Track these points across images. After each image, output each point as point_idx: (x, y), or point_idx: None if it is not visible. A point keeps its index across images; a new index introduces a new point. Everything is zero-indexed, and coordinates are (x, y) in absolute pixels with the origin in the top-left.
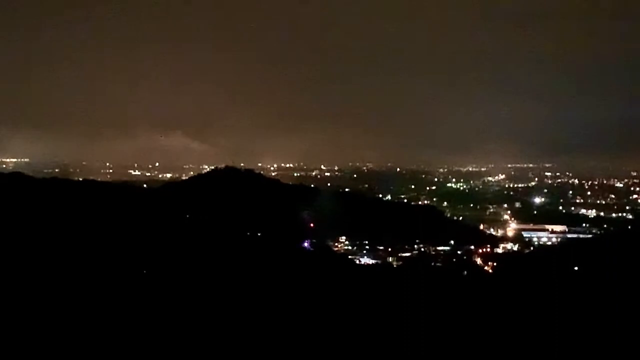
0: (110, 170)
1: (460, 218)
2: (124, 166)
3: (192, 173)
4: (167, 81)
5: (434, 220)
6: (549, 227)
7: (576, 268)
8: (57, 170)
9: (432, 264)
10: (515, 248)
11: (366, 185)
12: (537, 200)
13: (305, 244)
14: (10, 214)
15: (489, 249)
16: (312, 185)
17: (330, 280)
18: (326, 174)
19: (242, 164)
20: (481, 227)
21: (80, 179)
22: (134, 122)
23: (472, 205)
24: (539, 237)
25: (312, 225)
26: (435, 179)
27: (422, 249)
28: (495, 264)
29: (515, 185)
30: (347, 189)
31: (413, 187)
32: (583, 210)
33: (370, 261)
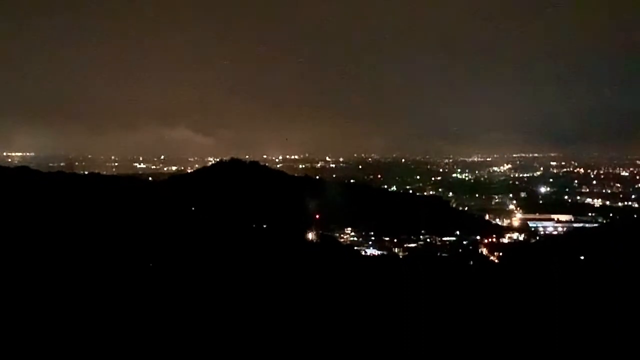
0: (116, 164)
1: (466, 208)
2: (129, 159)
3: (197, 166)
4: (172, 74)
5: (440, 210)
6: (555, 216)
7: (582, 257)
8: (62, 164)
9: (438, 254)
10: (521, 238)
11: (371, 176)
12: (543, 189)
13: (311, 236)
14: (17, 208)
15: (494, 239)
16: (318, 177)
17: (336, 271)
18: (331, 165)
19: (247, 156)
20: (487, 217)
21: (86, 172)
22: (138, 115)
23: (477, 195)
24: (544, 227)
25: (317, 216)
26: (441, 170)
27: (428, 240)
28: (501, 253)
29: (521, 175)
30: (352, 180)
31: (418, 177)
32: (589, 200)
33: (376, 252)
